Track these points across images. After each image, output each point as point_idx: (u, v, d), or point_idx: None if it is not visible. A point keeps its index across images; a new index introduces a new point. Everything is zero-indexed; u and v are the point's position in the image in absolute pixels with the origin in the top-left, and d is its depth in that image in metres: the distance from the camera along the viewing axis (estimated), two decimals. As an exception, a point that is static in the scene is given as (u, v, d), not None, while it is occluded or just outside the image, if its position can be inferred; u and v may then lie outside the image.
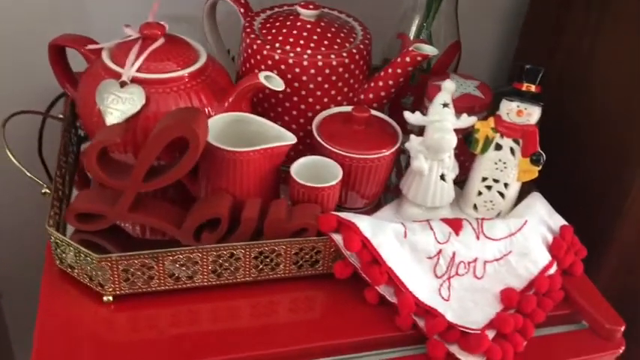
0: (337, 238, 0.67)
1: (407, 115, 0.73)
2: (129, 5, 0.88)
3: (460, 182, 0.81)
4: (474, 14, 1.01)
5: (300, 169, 0.71)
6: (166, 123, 0.62)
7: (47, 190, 0.68)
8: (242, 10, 0.84)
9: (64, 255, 0.65)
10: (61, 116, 0.81)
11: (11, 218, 1.00)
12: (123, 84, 0.70)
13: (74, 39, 0.77)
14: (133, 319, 0.64)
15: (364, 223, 0.67)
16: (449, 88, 0.72)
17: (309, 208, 0.69)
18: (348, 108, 0.77)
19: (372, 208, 0.80)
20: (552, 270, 0.72)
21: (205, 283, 0.67)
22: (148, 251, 0.63)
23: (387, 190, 0.82)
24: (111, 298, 0.64)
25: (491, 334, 0.65)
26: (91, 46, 0.75)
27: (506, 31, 1.08)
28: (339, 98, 0.80)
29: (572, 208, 0.77)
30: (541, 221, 0.74)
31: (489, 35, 1.09)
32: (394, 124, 0.78)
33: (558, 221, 0.75)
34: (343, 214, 0.68)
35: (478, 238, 0.71)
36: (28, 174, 0.68)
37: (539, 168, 0.73)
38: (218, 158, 0.67)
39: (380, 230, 0.67)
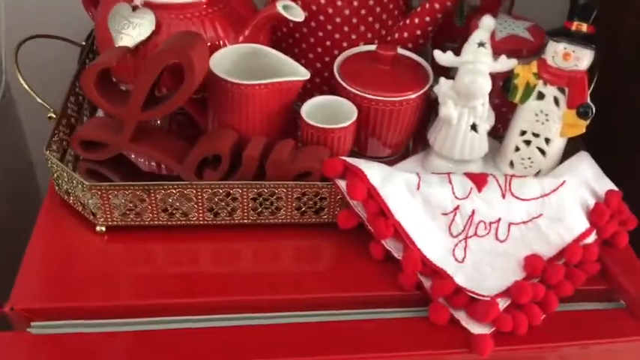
0: (342, 184, 0.61)
1: (437, 54, 0.65)
2: None
3: (502, 137, 0.72)
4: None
5: (313, 109, 0.66)
6: (160, 48, 0.58)
7: (53, 115, 0.67)
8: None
9: (60, 181, 0.63)
10: (83, 43, 0.79)
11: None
12: (135, 8, 0.67)
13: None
14: (127, 251, 0.63)
15: (372, 171, 0.61)
16: (487, 25, 0.63)
17: (316, 151, 0.64)
18: (377, 46, 0.70)
19: (397, 158, 0.73)
20: (590, 239, 0.63)
21: (201, 222, 0.63)
22: (140, 183, 0.60)
23: (420, 139, 0.75)
24: (104, 228, 0.62)
25: (503, 302, 0.58)
26: (109, -31, 0.72)
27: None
28: (369, 35, 0.73)
29: (631, 173, 0.67)
30: (584, 184, 0.65)
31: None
32: (426, 64, 0.71)
33: (606, 185, 0.65)
34: (352, 160, 0.62)
35: (504, 196, 0.63)
36: (39, 99, 0.67)
37: (587, 122, 0.63)
38: (224, 91, 0.63)
39: (390, 179, 0.61)
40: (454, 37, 0.80)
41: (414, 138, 0.75)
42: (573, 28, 0.61)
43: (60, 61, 0.82)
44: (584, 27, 0.61)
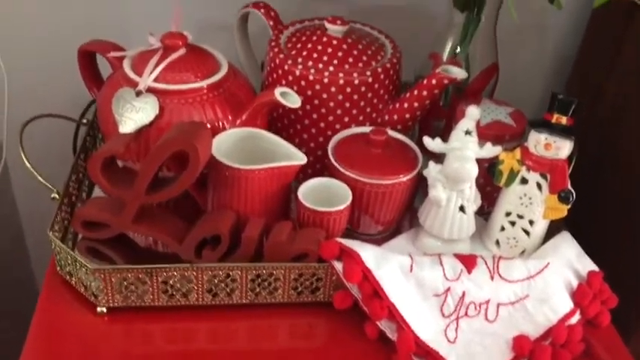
0: (339, 266, 0.64)
1: (426, 140, 0.69)
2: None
3: (487, 213, 0.76)
4: (519, 35, 0.96)
5: (309, 190, 0.69)
6: (167, 136, 0.61)
7: (56, 196, 0.69)
8: (271, 22, 0.83)
9: (63, 262, 0.65)
10: (84, 121, 0.81)
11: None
12: (139, 93, 0.70)
13: (101, 45, 0.77)
14: (127, 332, 0.64)
15: (367, 253, 0.64)
16: (472, 114, 0.68)
17: (312, 233, 0.66)
18: (368, 129, 0.74)
19: (389, 234, 0.76)
20: (574, 319, 0.65)
21: (201, 303, 0.65)
22: (142, 266, 0.62)
23: (412, 214, 0.78)
24: (104, 309, 0.64)
25: (494, 384, 0.60)
26: (114, 54, 0.75)
27: (556, 56, 1.02)
28: (360, 118, 0.77)
29: (610, 251, 0.71)
30: (567, 264, 0.68)
31: (535, 59, 1.02)
32: (415, 148, 0.75)
33: (587, 265, 0.69)
34: (347, 242, 0.65)
35: (492, 278, 0.66)
36: (40, 178, 0.69)
37: (568, 206, 0.67)
38: (223, 174, 0.66)
39: (384, 261, 0.64)
40: (440, 116, 0.85)
41: (405, 214, 0.78)
42: (553, 120, 0.65)
43: (54, 138, 0.84)
44: (564, 119, 0.65)
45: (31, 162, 0.70)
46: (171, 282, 0.63)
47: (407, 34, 0.83)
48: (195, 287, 0.64)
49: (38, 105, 0.80)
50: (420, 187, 0.75)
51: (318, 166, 0.79)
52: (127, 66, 0.73)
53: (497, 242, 0.73)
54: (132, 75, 0.71)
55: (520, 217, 0.70)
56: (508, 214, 0.71)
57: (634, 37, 0.83)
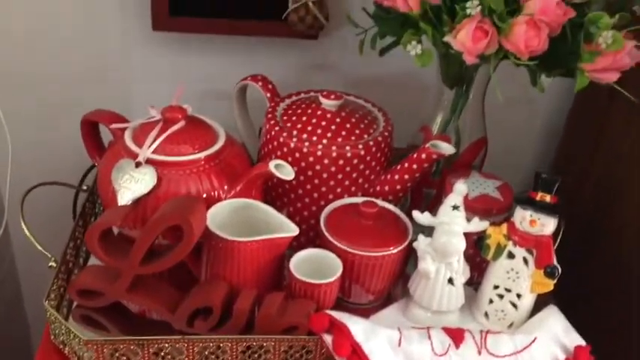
0: (328, 339, 0.65)
1: (415, 214, 0.71)
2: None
3: (477, 283, 0.77)
4: (509, 108, 0.99)
5: (301, 261, 0.70)
6: (163, 211, 0.63)
7: (53, 264, 0.70)
8: (268, 94, 0.86)
9: (57, 331, 0.66)
10: (84, 187, 0.84)
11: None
12: (138, 164, 0.72)
13: (104, 115, 0.80)
14: (117, 402, 0.64)
15: (357, 327, 0.65)
16: (460, 190, 0.70)
17: (303, 305, 0.67)
18: (360, 200, 0.76)
19: (380, 303, 0.77)
20: (561, 395, 0.66)
21: (191, 374, 0.66)
22: (134, 337, 0.63)
23: (406, 282, 0.79)
24: (96, 380, 0.64)
25: None
26: (115, 125, 0.78)
27: (545, 129, 1.05)
28: (353, 189, 0.79)
29: (598, 325, 0.72)
30: (554, 339, 0.69)
31: (524, 131, 1.05)
32: (405, 219, 0.76)
33: (574, 340, 0.70)
34: (337, 315, 0.66)
35: (480, 353, 0.66)
36: (38, 247, 0.71)
37: (554, 281, 0.69)
38: (217, 245, 0.68)
39: (373, 335, 0.65)
40: (431, 186, 0.87)
41: (398, 282, 0.80)
42: (538, 198, 0.67)
43: (54, 202, 0.86)
44: (548, 197, 0.67)
45: (31, 226, 0.72)
46: (162, 353, 0.64)
47: (400, 103, 0.86)
48: (187, 358, 0.65)
49: (40, 170, 0.83)
50: (412, 257, 0.76)
51: (311, 235, 0.80)
52: (128, 137, 0.75)
53: (486, 314, 0.74)
54: (132, 147, 0.74)
55: (508, 290, 0.72)
56: (496, 287, 0.72)
57: (617, 117, 0.86)
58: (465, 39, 0.64)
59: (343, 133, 0.78)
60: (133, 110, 0.82)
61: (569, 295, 0.76)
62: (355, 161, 0.77)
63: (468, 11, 0.64)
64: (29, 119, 0.95)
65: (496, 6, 0.64)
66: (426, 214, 0.71)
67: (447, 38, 0.67)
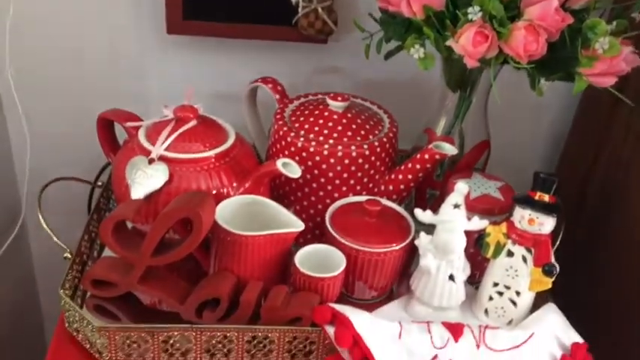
0: (330, 331, 0.67)
1: (417, 212, 0.73)
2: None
3: (478, 282, 0.79)
4: (513, 111, 1.01)
5: (306, 256, 0.73)
6: (174, 205, 0.66)
7: (68, 255, 0.73)
8: (277, 96, 0.89)
9: (71, 319, 0.69)
10: (99, 183, 0.87)
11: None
12: (151, 161, 0.75)
13: (119, 114, 0.83)
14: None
15: (358, 319, 0.67)
16: (461, 190, 0.72)
17: (307, 297, 0.70)
18: (364, 198, 0.78)
19: (383, 299, 0.80)
20: (556, 391, 0.68)
21: (199, 362, 0.68)
22: (145, 325, 0.66)
23: (405, 279, 0.81)
24: (107, 365, 0.67)
25: None
26: (130, 124, 0.81)
27: (551, 137, 1.07)
28: (358, 188, 0.81)
29: (599, 325, 0.73)
30: (551, 335, 0.70)
31: (529, 133, 1.07)
32: (408, 217, 0.79)
33: (572, 337, 0.71)
34: (340, 307, 0.68)
35: (478, 347, 0.68)
36: (55, 239, 0.74)
37: (552, 279, 0.70)
38: (225, 239, 0.70)
39: (374, 328, 0.67)
40: (434, 187, 0.89)
41: (398, 280, 0.82)
42: (536, 197, 0.69)
43: (71, 197, 0.89)
44: (546, 197, 0.69)
45: (47, 219, 0.75)
46: (171, 341, 0.67)
47: (406, 106, 0.88)
48: (194, 347, 0.67)
49: (57, 165, 0.86)
50: (415, 254, 0.78)
51: (317, 232, 0.83)
52: (141, 135, 0.78)
53: (486, 311, 0.76)
54: (146, 144, 0.77)
55: (507, 287, 0.74)
56: (496, 284, 0.74)
57: (619, 122, 0.88)
58: (466, 43, 0.67)
59: (349, 133, 0.81)
60: (148, 110, 0.85)
61: (571, 297, 0.78)
62: (360, 161, 0.80)
63: (470, 17, 0.67)
64: (48, 117, 0.99)
65: (497, 12, 0.66)
66: (428, 212, 0.73)
67: (449, 42, 0.69)
